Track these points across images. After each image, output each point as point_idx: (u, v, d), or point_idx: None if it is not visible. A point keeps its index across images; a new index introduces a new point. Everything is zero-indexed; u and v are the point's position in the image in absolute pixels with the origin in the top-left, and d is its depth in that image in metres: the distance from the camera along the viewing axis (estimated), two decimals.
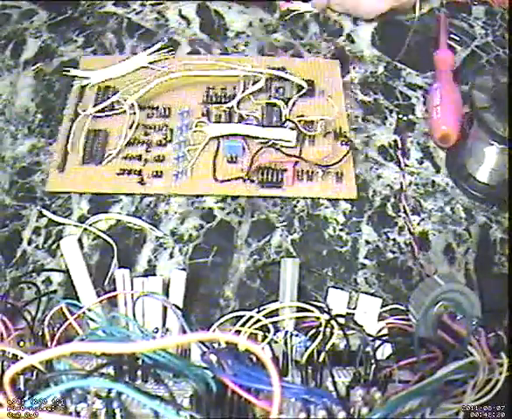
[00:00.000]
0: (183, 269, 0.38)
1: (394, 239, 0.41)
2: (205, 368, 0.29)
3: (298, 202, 0.42)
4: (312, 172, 0.43)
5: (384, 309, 0.36)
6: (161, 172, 0.43)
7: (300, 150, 0.44)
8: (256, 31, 0.54)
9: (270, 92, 0.48)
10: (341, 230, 0.41)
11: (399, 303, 0.36)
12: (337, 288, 0.37)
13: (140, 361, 0.30)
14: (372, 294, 0.36)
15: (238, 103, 0.47)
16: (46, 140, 0.45)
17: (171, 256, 0.40)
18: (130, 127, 0.45)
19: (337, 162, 0.43)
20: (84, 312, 0.33)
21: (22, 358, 0.28)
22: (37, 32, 0.53)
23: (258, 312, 0.34)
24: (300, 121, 0.45)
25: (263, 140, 0.44)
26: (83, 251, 0.36)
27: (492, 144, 0.40)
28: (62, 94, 0.48)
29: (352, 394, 0.30)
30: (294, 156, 0.43)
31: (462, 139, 0.44)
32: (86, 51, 0.52)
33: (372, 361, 0.31)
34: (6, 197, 0.42)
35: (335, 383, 0.30)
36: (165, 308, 0.34)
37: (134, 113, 0.45)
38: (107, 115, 0.46)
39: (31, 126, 0.46)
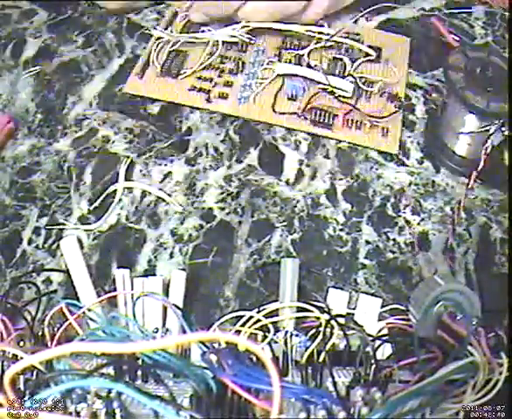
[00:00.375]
0: (183, 269, 0.38)
1: (394, 239, 0.41)
2: (205, 368, 0.29)
3: (298, 202, 0.42)
4: (361, 122, 0.46)
5: (384, 309, 0.36)
6: (227, 94, 0.48)
7: (356, 102, 0.48)
8: None
9: (340, 50, 0.52)
10: (341, 229, 0.41)
11: (399, 303, 0.36)
12: (337, 288, 0.37)
13: (140, 361, 0.30)
14: (372, 294, 0.36)
15: (309, 53, 0.51)
16: (46, 140, 0.45)
17: (171, 256, 0.40)
18: (210, 55, 0.50)
19: (385, 117, 0.46)
20: (84, 312, 0.33)
21: (22, 358, 0.29)
22: (37, 32, 0.53)
23: (258, 312, 0.34)
24: (361, 78, 0.49)
25: (323, 86, 0.48)
26: (83, 251, 0.36)
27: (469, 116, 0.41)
28: (62, 94, 0.48)
29: (352, 394, 0.30)
30: (348, 104, 0.47)
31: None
32: (86, 51, 0.52)
33: (372, 361, 0.31)
34: (6, 197, 0.42)
35: (335, 383, 0.30)
36: (165, 308, 0.34)
37: (217, 45, 0.50)
38: (190, 42, 0.51)
39: (31, 126, 0.46)
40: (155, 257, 0.39)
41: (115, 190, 0.42)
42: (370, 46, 0.51)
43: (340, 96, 0.47)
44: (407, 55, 0.52)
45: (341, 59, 0.50)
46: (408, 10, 0.56)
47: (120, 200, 0.42)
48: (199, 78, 0.49)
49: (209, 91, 0.48)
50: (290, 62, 0.50)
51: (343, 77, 0.49)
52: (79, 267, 0.34)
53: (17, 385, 0.29)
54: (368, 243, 0.41)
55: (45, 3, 0.55)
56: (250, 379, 0.27)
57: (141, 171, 0.44)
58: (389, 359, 0.32)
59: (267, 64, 0.50)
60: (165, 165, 0.44)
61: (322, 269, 0.39)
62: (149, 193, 0.42)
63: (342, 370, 0.32)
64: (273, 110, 0.47)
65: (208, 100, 0.48)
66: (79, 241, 0.37)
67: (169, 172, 0.44)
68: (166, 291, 0.35)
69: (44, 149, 0.45)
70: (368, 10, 0.55)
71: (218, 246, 0.40)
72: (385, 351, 0.33)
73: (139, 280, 0.35)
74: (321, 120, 0.46)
